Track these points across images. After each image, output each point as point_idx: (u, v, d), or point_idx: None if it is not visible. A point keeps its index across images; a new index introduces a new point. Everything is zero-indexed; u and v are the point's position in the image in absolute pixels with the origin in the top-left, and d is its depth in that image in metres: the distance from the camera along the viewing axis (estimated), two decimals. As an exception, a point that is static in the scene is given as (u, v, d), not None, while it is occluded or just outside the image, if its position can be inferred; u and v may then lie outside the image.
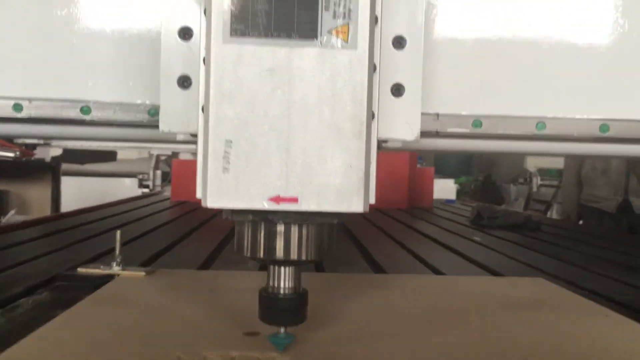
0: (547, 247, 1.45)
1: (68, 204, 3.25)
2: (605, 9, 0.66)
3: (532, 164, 5.62)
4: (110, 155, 4.70)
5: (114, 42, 0.64)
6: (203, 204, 0.45)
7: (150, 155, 4.73)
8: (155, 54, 0.58)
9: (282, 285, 0.50)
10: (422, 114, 0.58)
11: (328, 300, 0.69)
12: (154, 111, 0.64)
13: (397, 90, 0.53)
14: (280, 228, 0.47)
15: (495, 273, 1.02)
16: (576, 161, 2.45)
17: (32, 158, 3.72)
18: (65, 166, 3.93)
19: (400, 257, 1.21)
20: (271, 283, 0.51)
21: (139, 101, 0.64)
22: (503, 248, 1.38)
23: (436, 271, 1.02)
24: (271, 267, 0.51)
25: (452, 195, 4.21)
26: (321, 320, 0.60)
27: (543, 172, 5.38)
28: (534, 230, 1.80)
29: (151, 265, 0.97)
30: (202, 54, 0.47)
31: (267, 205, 0.45)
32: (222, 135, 0.44)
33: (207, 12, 0.45)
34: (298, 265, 0.51)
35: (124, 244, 1.16)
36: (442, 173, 4.58)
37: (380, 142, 0.61)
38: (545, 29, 0.67)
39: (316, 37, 0.45)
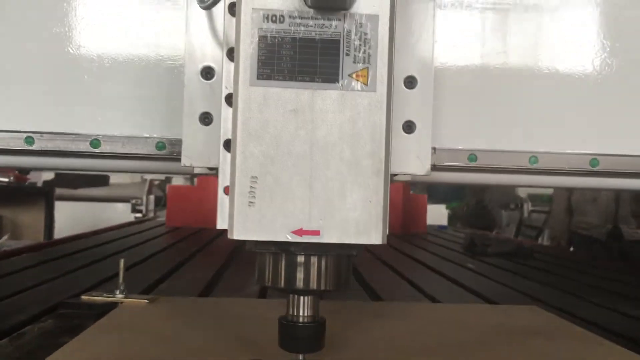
0: (540, 275, 1.47)
1: (61, 228, 3.25)
2: (595, 49, 0.69)
3: (523, 190, 5.66)
4: (102, 180, 4.71)
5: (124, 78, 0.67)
6: (229, 236, 0.47)
7: (144, 180, 4.73)
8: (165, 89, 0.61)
9: (301, 313, 0.52)
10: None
11: (328, 328, 0.70)
12: (161, 145, 0.66)
13: (409, 127, 0.55)
14: (301, 259, 0.50)
15: (490, 301, 1.04)
16: (566, 190, 2.48)
17: (26, 183, 3.73)
18: (58, 191, 3.93)
19: (396, 284, 1.23)
20: (291, 311, 0.53)
21: (146, 134, 0.67)
22: (497, 276, 1.41)
23: (433, 299, 1.04)
24: (291, 296, 0.53)
25: (444, 221, 4.24)
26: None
27: (534, 198, 5.42)
28: (526, 257, 1.82)
29: (152, 292, 0.99)
30: (224, 92, 0.50)
31: (290, 238, 0.47)
32: (248, 172, 0.47)
33: (235, 56, 0.48)
34: (317, 295, 0.53)
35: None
36: (434, 198, 4.61)
37: (391, 176, 0.64)
38: (536, 66, 0.70)
39: (337, 81, 0.47)
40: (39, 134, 0.66)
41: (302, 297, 0.52)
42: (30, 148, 0.66)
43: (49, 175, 4.04)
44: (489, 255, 1.81)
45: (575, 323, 0.83)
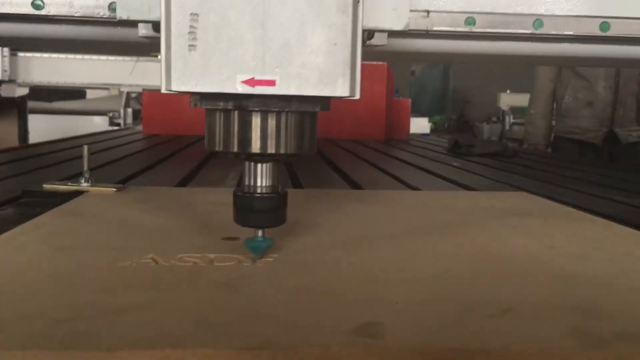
0: (526, 171, 1.44)
1: (36, 140, 3.16)
2: None
3: (505, 103, 5.63)
4: (79, 94, 4.56)
5: None
6: (166, 89, 0.40)
7: (121, 93, 4.59)
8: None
9: (259, 183, 0.46)
10: (411, 10, 0.54)
11: (308, 214, 0.66)
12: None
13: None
14: (256, 117, 0.43)
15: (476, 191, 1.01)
16: (548, 91, 2.42)
17: (-2, 96, 3.60)
18: (32, 104, 3.81)
19: (379, 178, 1.19)
20: (247, 182, 0.47)
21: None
22: (482, 171, 1.37)
23: (415, 189, 1.00)
24: (247, 164, 0.47)
25: (427, 131, 4.19)
26: (302, 230, 0.58)
27: (515, 111, 5.39)
28: (511, 157, 1.79)
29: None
30: None
31: (240, 89, 0.40)
32: (186, 7, 0.39)
33: None
34: (276, 161, 0.47)
35: (94, 169, 1.12)
36: (416, 112, 4.55)
37: (365, 35, 0.57)
38: None
39: None
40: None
41: (259, 165, 0.46)
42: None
43: (23, 91, 3.90)
44: (473, 155, 1.78)
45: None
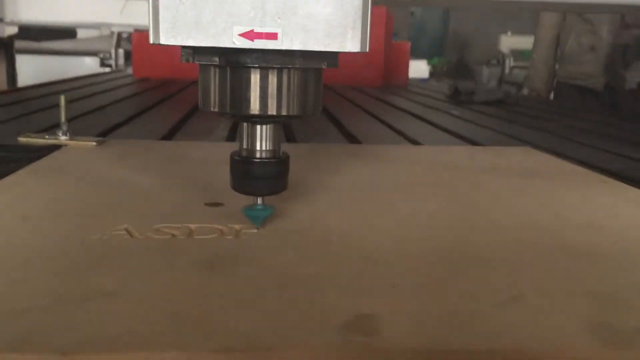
0: (529, 120, 1.39)
1: (25, 82, 3.07)
2: None
3: (505, 45, 5.52)
4: (69, 34, 4.42)
5: None
6: (153, 41, 0.35)
7: (112, 33, 4.46)
8: None
9: (258, 147, 0.41)
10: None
11: (300, 172, 0.61)
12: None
13: None
14: (256, 74, 0.38)
15: (478, 144, 0.96)
16: (551, 37, 2.34)
17: (-18, 35, 3.48)
18: (21, 44, 3.70)
19: (377, 129, 1.14)
20: (245, 145, 0.42)
21: None
22: (484, 121, 1.32)
23: (415, 143, 0.95)
24: (244, 125, 0.42)
25: (426, 75, 4.11)
26: (291, 193, 0.53)
27: (516, 54, 5.29)
28: (513, 105, 1.74)
29: (107, 137, 0.88)
30: None
31: (237, 43, 0.35)
32: None
33: None
34: (278, 123, 0.42)
35: (77, 117, 1.07)
36: (415, 55, 4.45)
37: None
38: None
39: None
40: None
41: (257, 127, 0.41)
42: None
43: (12, 30, 3.77)
44: (474, 103, 1.72)
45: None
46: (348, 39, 0.35)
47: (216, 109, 0.40)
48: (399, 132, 1.06)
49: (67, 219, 0.45)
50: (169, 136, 0.94)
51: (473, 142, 0.98)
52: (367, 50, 0.36)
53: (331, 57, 0.38)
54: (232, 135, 0.94)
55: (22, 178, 0.57)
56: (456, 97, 1.82)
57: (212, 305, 0.31)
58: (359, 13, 0.35)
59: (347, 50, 0.36)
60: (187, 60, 0.37)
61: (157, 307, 0.30)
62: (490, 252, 0.41)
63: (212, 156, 0.70)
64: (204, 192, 0.53)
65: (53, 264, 0.36)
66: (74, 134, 0.76)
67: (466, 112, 1.52)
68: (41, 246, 0.39)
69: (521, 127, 1.24)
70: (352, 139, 0.97)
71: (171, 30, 0.34)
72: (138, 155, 0.70)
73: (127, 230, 0.43)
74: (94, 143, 0.74)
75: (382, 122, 1.22)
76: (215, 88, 0.39)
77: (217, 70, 0.39)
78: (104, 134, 0.93)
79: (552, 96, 2.42)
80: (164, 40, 0.34)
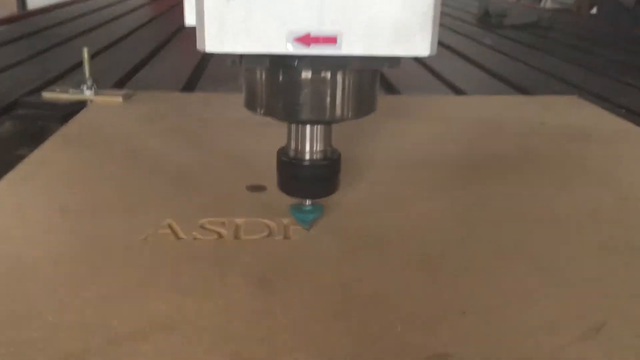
0: (565, 51, 1.32)
1: (36, 4, 2.97)
2: None
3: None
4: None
5: None
6: (199, 47, 0.31)
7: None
8: None
9: (307, 148, 0.38)
10: None
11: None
12: None
13: None
14: (307, 76, 0.34)
15: (517, 87, 0.91)
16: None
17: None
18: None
19: (409, 66, 1.08)
20: (293, 145, 0.38)
21: None
22: (519, 53, 1.25)
23: (453, 87, 0.90)
24: (293, 126, 0.38)
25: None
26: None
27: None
28: (546, 30, 1.65)
29: (127, 85, 0.85)
30: None
31: (292, 49, 0.30)
32: None
33: None
34: (330, 124, 0.38)
35: (93, 56, 1.03)
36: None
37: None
38: None
39: None
40: None
41: (308, 126, 0.37)
42: None
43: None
44: (504, 27, 1.64)
45: (620, 115, 0.72)
46: (417, 42, 0.31)
47: (262, 113, 0.36)
48: (432, 71, 1.01)
49: (107, 213, 0.43)
50: (192, 81, 0.90)
51: (512, 84, 0.94)
52: (435, 53, 0.32)
53: (393, 60, 0.33)
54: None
55: (53, 152, 0.54)
56: (485, 20, 1.73)
57: (266, 341, 0.29)
58: (430, 13, 0.31)
59: (415, 55, 0.31)
60: (234, 64, 0.33)
61: (217, 347, 0.29)
62: (549, 259, 0.39)
63: (247, 115, 0.67)
64: (246, 169, 0.51)
65: (100, 282, 0.34)
66: (97, 85, 0.73)
67: (499, 39, 1.44)
68: (84, 254, 0.37)
69: (558, 61, 1.18)
70: (385, 81, 0.92)
71: (218, 36, 0.30)
72: (167, 115, 0.67)
73: (170, 227, 0.40)
74: (120, 98, 0.71)
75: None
76: (262, 90, 0.35)
77: (264, 71, 0.35)
78: (125, 79, 0.89)
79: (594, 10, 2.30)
80: (210, 47, 0.30)
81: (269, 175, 0.48)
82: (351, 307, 0.32)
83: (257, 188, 0.47)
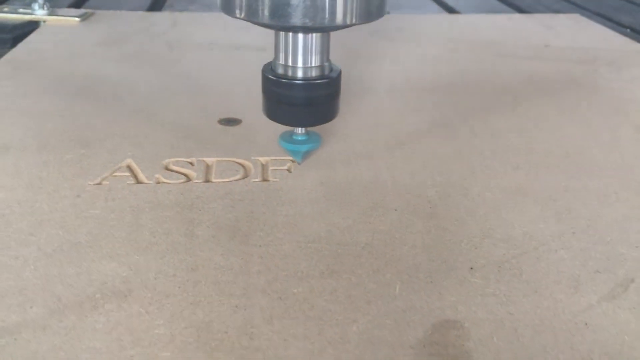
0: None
1: None
2: None
3: None
4: None
5: None
6: None
7: None
8: None
9: (300, 63, 0.31)
10: None
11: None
12: None
13: None
14: None
15: (511, 4, 0.85)
16: None
17: None
18: None
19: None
20: (282, 59, 0.31)
21: None
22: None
23: (441, 3, 0.83)
24: (282, 34, 0.31)
25: None
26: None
27: None
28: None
29: (85, 4, 0.77)
30: None
31: None
32: None
33: None
34: (328, 32, 0.31)
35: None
36: None
37: None
38: None
39: None
40: None
41: (300, 36, 0.30)
42: None
43: None
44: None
45: (622, 34, 0.66)
46: None
47: (242, 16, 0.29)
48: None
49: (54, 150, 0.37)
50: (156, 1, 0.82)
51: (505, 1, 0.87)
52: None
53: None
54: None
55: (4, 69, 0.47)
56: None
57: (252, 309, 0.24)
58: None
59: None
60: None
61: (181, 316, 0.24)
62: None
63: (220, 36, 0.60)
64: (218, 99, 0.45)
65: (42, 237, 0.29)
66: (51, 4, 0.65)
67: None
68: (25, 201, 0.31)
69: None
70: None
71: None
72: (130, 38, 0.60)
73: (130, 168, 0.35)
74: (77, 18, 0.63)
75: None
76: None
77: None
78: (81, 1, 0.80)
79: None
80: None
81: (245, 107, 0.43)
82: (341, 262, 0.27)
83: (231, 121, 0.42)
